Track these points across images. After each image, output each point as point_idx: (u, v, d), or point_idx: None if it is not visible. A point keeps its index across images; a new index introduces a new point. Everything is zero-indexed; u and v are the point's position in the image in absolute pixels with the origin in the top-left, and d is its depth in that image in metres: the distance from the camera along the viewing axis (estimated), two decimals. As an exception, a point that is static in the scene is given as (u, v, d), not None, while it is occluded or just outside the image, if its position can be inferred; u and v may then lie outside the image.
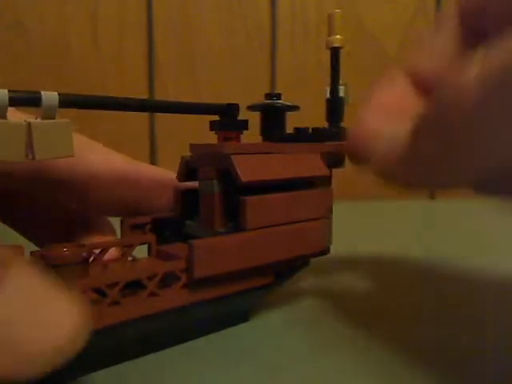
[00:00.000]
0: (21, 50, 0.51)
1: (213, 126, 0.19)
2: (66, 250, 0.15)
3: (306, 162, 0.20)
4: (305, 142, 0.20)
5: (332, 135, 0.21)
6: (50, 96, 0.14)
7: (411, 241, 0.35)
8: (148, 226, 0.20)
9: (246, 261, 0.17)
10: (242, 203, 0.17)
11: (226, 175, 0.18)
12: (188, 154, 0.20)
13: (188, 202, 0.20)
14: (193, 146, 0.19)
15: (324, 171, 0.20)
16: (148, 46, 0.54)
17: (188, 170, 0.20)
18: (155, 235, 0.19)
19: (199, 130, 0.21)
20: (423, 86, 0.17)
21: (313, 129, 0.21)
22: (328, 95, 0.22)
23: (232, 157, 0.17)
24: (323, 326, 0.19)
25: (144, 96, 0.53)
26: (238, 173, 0.17)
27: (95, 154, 0.19)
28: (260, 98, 0.21)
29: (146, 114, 0.53)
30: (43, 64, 0.51)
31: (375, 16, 0.57)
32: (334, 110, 0.22)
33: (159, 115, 0.53)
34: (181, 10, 0.54)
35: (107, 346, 0.15)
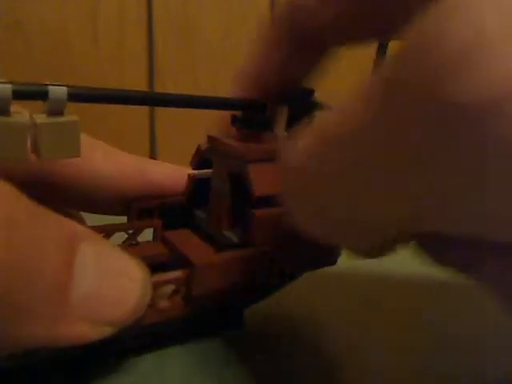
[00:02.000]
0: (21, 50, 0.51)
1: (235, 121, 0.18)
2: None
3: None
4: None
5: None
6: (57, 89, 0.13)
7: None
8: (156, 211, 0.20)
9: (249, 275, 0.17)
10: (249, 217, 0.16)
11: (239, 180, 0.17)
12: (188, 151, 0.20)
13: (199, 189, 0.20)
14: (210, 138, 0.18)
15: None
16: (148, 46, 0.54)
17: (202, 160, 0.19)
18: (162, 220, 0.19)
19: (200, 130, 0.22)
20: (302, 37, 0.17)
21: None
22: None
23: (248, 166, 0.16)
24: (320, 335, 0.19)
25: (144, 96, 0.54)
26: (253, 186, 0.16)
27: (99, 152, 0.19)
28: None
29: (146, 112, 0.53)
30: (43, 64, 0.51)
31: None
32: None
33: (160, 115, 0.53)
34: (181, 10, 0.54)
35: (101, 351, 0.15)
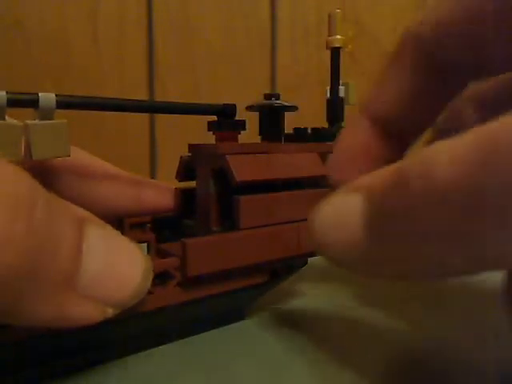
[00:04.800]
0: (21, 50, 0.51)
1: (210, 126, 0.19)
2: None
3: (304, 162, 0.20)
4: (303, 142, 0.20)
5: (331, 135, 0.21)
6: (47, 97, 0.15)
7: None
8: (148, 225, 0.20)
9: (240, 259, 0.17)
10: (235, 202, 0.17)
11: (222, 175, 0.18)
12: (187, 153, 0.20)
13: (186, 201, 0.21)
14: (191, 146, 0.20)
15: (321, 171, 0.20)
16: (148, 46, 0.54)
17: (187, 170, 0.20)
18: (155, 234, 0.19)
19: (199, 131, 0.22)
20: (383, 127, 0.17)
21: (312, 129, 0.21)
22: (328, 95, 0.22)
23: (227, 157, 0.17)
24: (317, 326, 0.19)
25: (144, 96, 0.53)
26: (233, 172, 0.17)
27: (99, 173, 0.20)
28: (260, 98, 0.21)
29: (146, 115, 0.53)
30: (43, 64, 0.51)
31: (375, 16, 0.57)
32: (334, 110, 0.22)
33: (159, 116, 0.53)
34: (181, 10, 0.54)
35: (100, 342, 0.15)
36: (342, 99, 0.22)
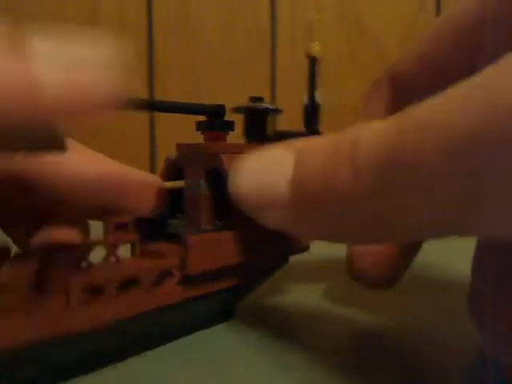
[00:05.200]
0: (21, 50, 0.51)
1: (199, 126, 0.20)
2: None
3: None
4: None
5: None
6: None
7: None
8: (131, 225, 0.20)
9: (236, 257, 0.17)
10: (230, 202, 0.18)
11: (214, 174, 0.18)
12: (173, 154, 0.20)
13: (170, 201, 0.21)
14: (179, 146, 0.20)
15: None
16: (148, 46, 0.54)
17: (173, 170, 0.20)
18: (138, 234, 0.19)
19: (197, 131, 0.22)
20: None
21: (294, 132, 0.22)
22: (305, 101, 0.23)
23: (221, 156, 0.18)
24: (307, 325, 0.19)
25: (144, 96, 0.53)
26: (228, 172, 0.17)
27: (77, 153, 0.19)
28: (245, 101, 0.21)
29: (146, 116, 0.53)
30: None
31: (375, 16, 0.57)
32: (312, 115, 0.23)
33: (159, 116, 0.53)
34: (181, 10, 0.54)
35: (103, 345, 0.15)
36: (318, 105, 0.23)
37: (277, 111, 0.21)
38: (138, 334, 0.16)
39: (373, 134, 0.11)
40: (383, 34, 0.58)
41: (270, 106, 0.21)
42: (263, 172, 0.13)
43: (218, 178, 0.18)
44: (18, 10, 0.51)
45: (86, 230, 0.21)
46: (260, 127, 0.21)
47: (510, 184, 0.09)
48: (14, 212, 0.20)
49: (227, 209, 0.18)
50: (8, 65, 0.10)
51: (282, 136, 0.21)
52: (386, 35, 0.58)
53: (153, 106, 0.18)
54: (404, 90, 0.18)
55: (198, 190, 0.19)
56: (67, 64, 0.11)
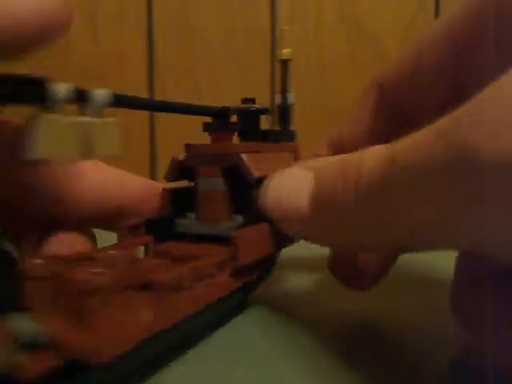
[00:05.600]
0: (21, 50, 0.51)
1: (206, 127, 0.20)
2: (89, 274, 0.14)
3: (287, 159, 0.22)
4: (273, 142, 0.22)
5: (290, 136, 0.24)
6: (101, 93, 0.14)
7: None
8: (142, 228, 0.20)
9: (268, 248, 0.19)
10: (255, 198, 0.19)
11: (230, 173, 0.19)
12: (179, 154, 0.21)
13: (176, 201, 0.21)
14: (189, 146, 0.20)
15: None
16: (148, 46, 0.54)
17: (180, 170, 0.21)
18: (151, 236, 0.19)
19: (198, 131, 0.22)
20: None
21: (277, 130, 0.24)
22: (278, 102, 0.24)
23: (242, 155, 0.19)
24: (320, 316, 0.19)
25: (144, 96, 0.53)
26: (251, 169, 0.19)
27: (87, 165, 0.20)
28: (259, 99, 0.22)
29: (146, 115, 0.53)
30: (43, 64, 0.51)
31: (375, 16, 0.57)
32: (284, 115, 0.24)
33: (159, 117, 0.53)
34: (181, 10, 0.54)
35: (175, 338, 0.15)
36: (290, 105, 0.24)
37: (266, 111, 0.23)
38: (196, 329, 0.17)
39: (373, 160, 0.13)
40: (383, 34, 0.58)
41: (261, 107, 0.23)
42: (286, 188, 0.16)
43: (234, 176, 0.19)
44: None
45: (92, 237, 0.21)
46: (253, 127, 0.22)
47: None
48: (21, 222, 0.20)
49: (245, 204, 0.19)
50: None
51: (269, 135, 0.23)
52: (385, 35, 0.58)
53: (159, 106, 0.18)
54: (387, 99, 0.20)
55: (215, 187, 0.19)
56: None
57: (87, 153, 0.14)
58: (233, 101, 0.22)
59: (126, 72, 0.53)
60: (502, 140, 0.09)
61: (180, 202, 0.21)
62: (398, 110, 0.19)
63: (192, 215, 0.20)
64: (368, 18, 0.57)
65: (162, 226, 0.20)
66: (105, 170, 0.21)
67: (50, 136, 0.13)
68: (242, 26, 0.55)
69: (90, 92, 0.14)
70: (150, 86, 0.54)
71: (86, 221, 0.20)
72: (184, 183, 0.21)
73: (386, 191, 0.12)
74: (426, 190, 0.11)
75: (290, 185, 0.16)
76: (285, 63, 0.24)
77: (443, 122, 0.11)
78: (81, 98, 0.14)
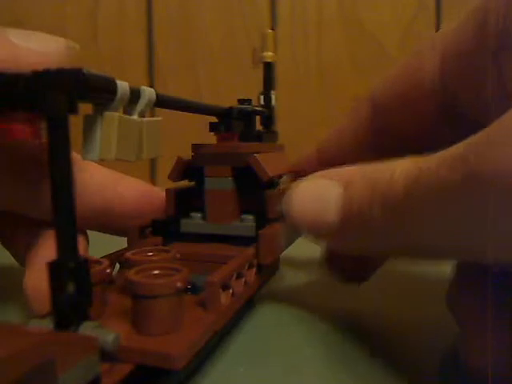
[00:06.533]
0: (21, 50, 0.51)
1: (213, 127, 0.21)
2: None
3: (285, 160, 0.23)
4: (264, 141, 0.23)
5: (275, 137, 0.25)
6: (149, 92, 0.14)
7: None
8: (149, 229, 0.20)
9: (284, 246, 0.19)
10: (268, 196, 0.19)
11: (240, 172, 0.20)
12: (186, 153, 0.20)
13: (180, 202, 0.21)
14: (197, 146, 0.20)
15: (293, 166, 0.23)
16: (148, 46, 0.54)
17: (185, 170, 0.21)
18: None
19: (198, 131, 0.22)
20: (322, 157, 0.22)
21: (273, 131, 0.24)
22: (262, 103, 0.25)
23: (256, 156, 0.19)
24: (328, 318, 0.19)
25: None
26: (265, 169, 0.19)
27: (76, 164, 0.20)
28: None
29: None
30: (43, 64, 0.51)
31: (375, 16, 0.57)
32: (269, 116, 0.25)
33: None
34: (181, 10, 0.54)
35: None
36: (273, 106, 0.24)
37: (262, 112, 0.23)
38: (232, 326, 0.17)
39: (399, 173, 0.13)
40: (383, 34, 0.58)
41: (257, 108, 0.23)
42: (314, 200, 0.16)
43: (244, 175, 0.19)
44: (18, 10, 0.51)
45: (86, 239, 0.21)
46: (249, 127, 0.23)
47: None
48: (13, 227, 0.20)
49: (256, 204, 0.19)
50: None
51: (261, 135, 0.23)
52: (386, 35, 0.58)
53: (168, 103, 0.18)
54: (378, 114, 0.20)
55: (225, 187, 0.20)
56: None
57: (139, 153, 0.14)
58: (232, 101, 0.22)
59: (126, 72, 0.53)
60: None
61: (183, 202, 0.21)
62: (388, 125, 0.20)
63: (197, 215, 0.20)
64: (368, 18, 0.57)
65: (166, 227, 0.20)
66: (101, 170, 0.21)
67: (110, 136, 0.12)
68: (241, 26, 0.55)
69: (140, 90, 0.14)
70: (150, 86, 0.54)
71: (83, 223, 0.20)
72: (184, 183, 0.21)
73: (408, 208, 0.13)
74: (444, 212, 0.12)
75: (317, 196, 0.16)
76: (268, 65, 0.25)
77: (463, 150, 0.11)
78: (134, 96, 0.14)
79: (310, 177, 0.17)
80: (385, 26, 0.58)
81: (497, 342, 0.14)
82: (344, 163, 0.16)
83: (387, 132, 0.20)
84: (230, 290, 0.16)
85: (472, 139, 0.11)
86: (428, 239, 0.13)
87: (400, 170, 0.13)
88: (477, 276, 0.15)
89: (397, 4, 0.58)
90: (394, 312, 0.21)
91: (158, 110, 0.16)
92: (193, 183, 0.21)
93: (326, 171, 0.17)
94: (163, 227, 0.20)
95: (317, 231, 0.16)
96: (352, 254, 0.17)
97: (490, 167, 0.10)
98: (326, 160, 0.22)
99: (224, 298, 0.15)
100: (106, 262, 0.15)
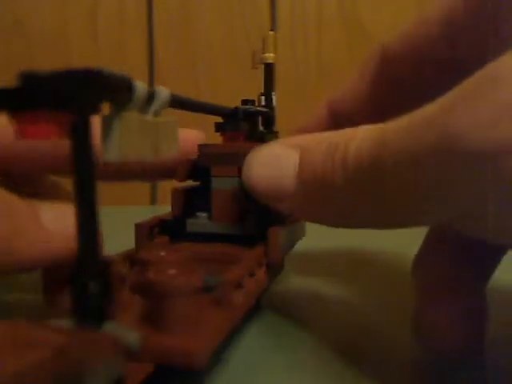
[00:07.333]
0: (21, 50, 0.51)
1: (219, 127, 0.21)
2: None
3: None
4: (266, 141, 0.23)
5: (276, 136, 0.25)
6: (163, 93, 0.15)
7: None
8: (156, 229, 0.20)
9: (289, 248, 0.20)
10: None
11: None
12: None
13: (186, 201, 0.21)
14: (203, 146, 0.20)
15: None
16: (148, 46, 0.54)
17: (191, 170, 0.21)
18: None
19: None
20: (334, 114, 0.22)
21: (274, 131, 0.24)
22: (263, 103, 0.25)
23: None
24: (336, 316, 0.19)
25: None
26: None
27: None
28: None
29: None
30: (43, 64, 0.51)
31: (375, 16, 0.57)
32: (270, 117, 0.25)
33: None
34: (181, 10, 0.54)
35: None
36: (274, 107, 0.25)
37: (265, 112, 0.24)
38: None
39: (361, 140, 0.13)
40: (383, 34, 0.58)
41: (260, 109, 0.23)
42: (271, 167, 0.16)
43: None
44: (18, 10, 0.51)
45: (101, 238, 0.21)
46: (252, 127, 0.23)
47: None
48: None
49: (258, 203, 0.19)
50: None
51: (263, 134, 0.23)
52: (385, 35, 0.58)
53: (182, 103, 0.18)
54: (389, 66, 0.20)
55: (231, 187, 0.20)
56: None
57: (155, 153, 0.14)
58: (233, 100, 0.22)
59: (126, 72, 0.53)
60: (498, 130, 0.10)
61: (189, 201, 0.21)
62: (399, 78, 0.20)
63: (203, 215, 0.20)
64: (368, 18, 0.57)
65: (172, 226, 0.20)
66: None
67: (129, 136, 0.12)
68: (241, 26, 0.55)
69: (156, 90, 0.14)
70: (150, 86, 0.54)
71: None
72: (188, 183, 0.21)
73: (375, 171, 0.12)
74: (413, 175, 0.11)
75: (274, 163, 0.16)
76: (268, 66, 0.25)
77: (434, 109, 0.11)
78: (150, 96, 0.14)
79: (268, 144, 0.17)
80: (385, 26, 0.58)
81: (453, 306, 0.14)
82: (357, 123, 0.16)
83: (397, 87, 0.20)
84: (243, 289, 0.16)
85: (447, 96, 0.11)
86: (399, 205, 0.12)
87: (362, 134, 0.13)
88: (443, 243, 0.16)
89: (397, 4, 0.58)
90: (396, 311, 0.21)
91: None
92: (197, 183, 0.21)
93: (283, 139, 0.17)
94: (171, 227, 0.20)
95: (275, 198, 0.16)
96: (314, 222, 0.16)
97: (463, 128, 0.10)
98: (338, 116, 0.22)
99: (237, 297, 0.15)
100: (120, 262, 0.15)
